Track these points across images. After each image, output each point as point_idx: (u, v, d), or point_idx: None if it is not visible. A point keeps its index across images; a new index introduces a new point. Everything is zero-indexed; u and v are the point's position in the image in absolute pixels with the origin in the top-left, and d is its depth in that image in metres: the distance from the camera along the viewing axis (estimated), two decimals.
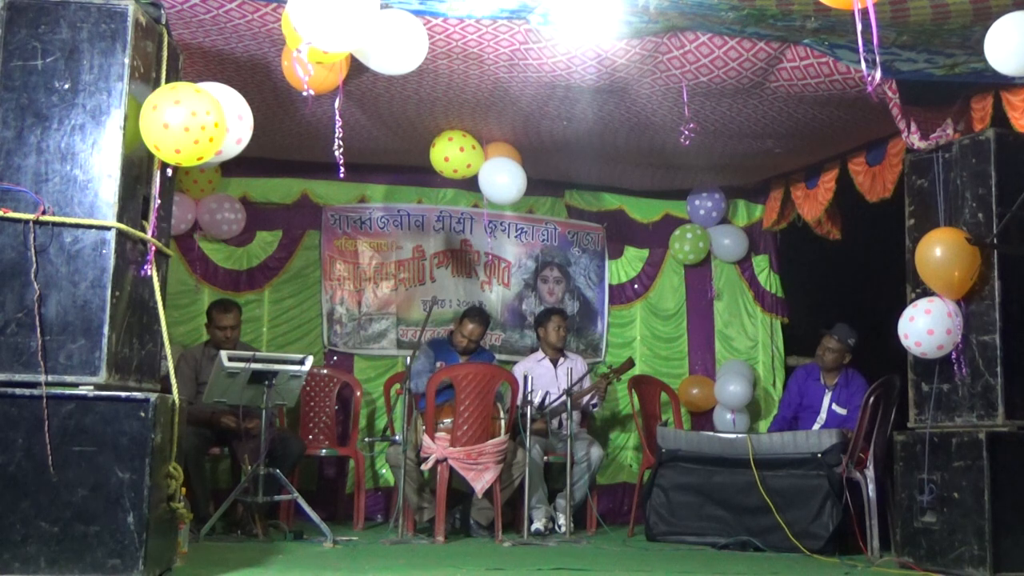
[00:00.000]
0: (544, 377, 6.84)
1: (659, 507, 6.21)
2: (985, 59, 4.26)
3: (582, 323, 7.81)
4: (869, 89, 4.15)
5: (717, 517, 6.02)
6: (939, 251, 4.76)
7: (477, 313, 6.76)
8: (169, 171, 3.95)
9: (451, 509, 6.19)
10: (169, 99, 3.70)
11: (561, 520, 6.36)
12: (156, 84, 3.88)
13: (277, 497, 5.61)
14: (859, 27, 3.47)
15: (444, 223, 7.56)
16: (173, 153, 3.72)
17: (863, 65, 4.07)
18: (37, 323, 3.47)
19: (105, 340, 3.51)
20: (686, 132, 5.44)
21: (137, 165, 3.78)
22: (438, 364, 6.05)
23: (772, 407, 7.56)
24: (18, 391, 3.45)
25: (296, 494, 5.51)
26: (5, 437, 3.42)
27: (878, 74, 3.53)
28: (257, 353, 5.78)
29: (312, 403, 6.87)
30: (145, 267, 3.83)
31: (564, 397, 6.23)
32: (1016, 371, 4.70)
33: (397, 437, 5.95)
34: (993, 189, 4.76)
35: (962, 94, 5.26)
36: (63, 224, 3.55)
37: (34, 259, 3.49)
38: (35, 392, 3.45)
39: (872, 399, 5.72)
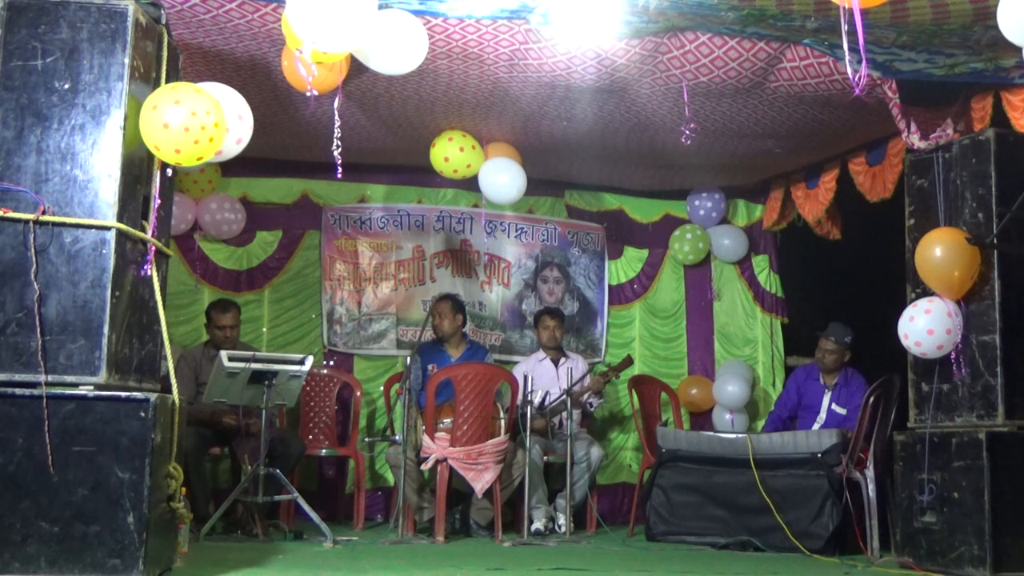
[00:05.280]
0: (545, 377, 6.84)
1: (659, 507, 6.21)
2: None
3: (582, 323, 7.81)
4: (857, 91, 4.15)
5: (717, 517, 6.02)
6: (939, 251, 4.76)
7: (447, 297, 6.82)
8: (169, 171, 3.96)
9: (451, 509, 6.19)
10: (169, 99, 3.70)
11: (561, 520, 6.36)
12: (156, 84, 3.88)
13: (277, 497, 5.61)
14: (844, 27, 3.47)
15: (444, 223, 7.56)
16: (173, 153, 3.72)
17: (848, 69, 4.07)
18: (37, 323, 3.47)
19: (105, 340, 3.51)
20: (686, 132, 5.45)
21: (137, 165, 3.78)
22: (430, 368, 6.04)
23: (771, 407, 7.55)
24: (18, 391, 3.45)
25: (296, 494, 5.51)
26: (5, 437, 3.42)
27: (863, 70, 3.53)
28: (257, 353, 5.78)
29: (312, 403, 6.86)
30: (145, 267, 3.83)
31: (564, 397, 6.23)
32: (1016, 371, 4.70)
33: (397, 437, 5.95)
34: (993, 189, 4.76)
35: (962, 94, 5.26)
36: (63, 224, 3.55)
37: (34, 259, 3.49)
38: (35, 392, 3.44)
39: (872, 399, 5.72)
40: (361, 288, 7.35)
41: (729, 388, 7.43)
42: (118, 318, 3.60)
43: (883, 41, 4.73)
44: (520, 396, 6.08)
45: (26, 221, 3.51)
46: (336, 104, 4.65)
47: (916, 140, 5.15)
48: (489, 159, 6.51)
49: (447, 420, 5.91)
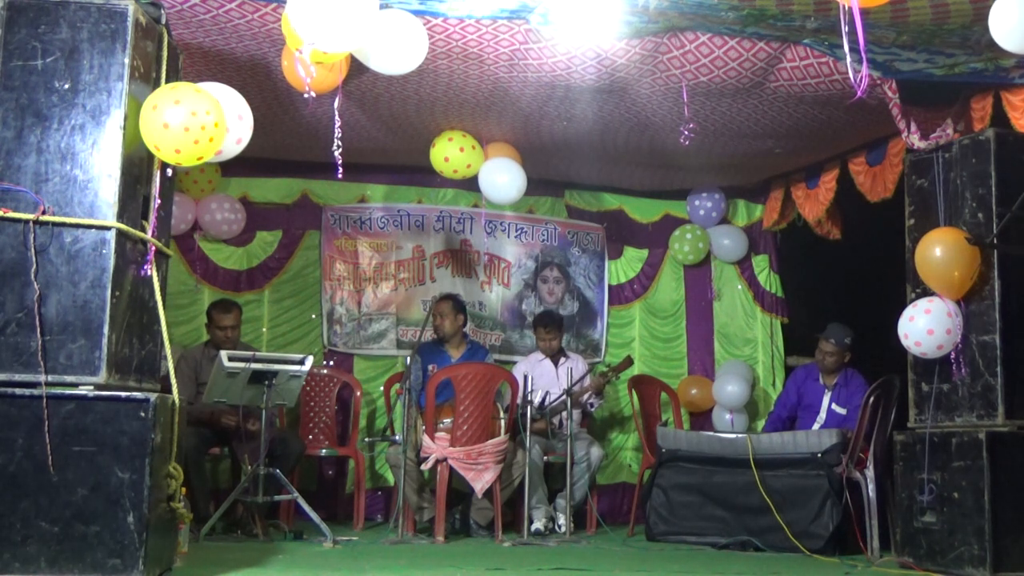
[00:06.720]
0: (545, 377, 6.84)
1: (659, 507, 6.21)
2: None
3: (582, 323, 7.81)
4: (860, 94, 4.15)
5: (717, 517, 6.02)
6: (939, 251, 4.76)
7: (448, 297, 6.82)
8: (169, 171, 3.96)
9: (451, 509, 6.19)
10: (169, 99, 3.70)
11: (561, 520, 6.36)
12: (156, 84, 3.88)
13: (277, 497, 5.61)
14: (844, 28, 3.47)
15: (444, 223, 7.56)
16: (173, 153, 3.72)
17: (850, 71, 4.06)
18: (37, 323, 3.47)
19: (105, 340, 3.51)
20: (686, 132, 5.44)
21: (137, 165, 3.78)
22: (430, 368, 6.04)
23: (771, 407, 7.55)
24: (18, 391, 3.45)
25: (296, 494, 5.51)
26: (5, 437, 3.42)
27: (864, 71, 3.53)
28: (257, 353, 5.78)
29: (312, 403, 6.86)
30: (145, 267, 3.83)
31: (564, 397, 6.23)
32: (1016, 371, 4.70)
33: (397, 437, 5.95)
34: (993, 189, 4.75)
35: (962, 94, 5.26)
36: (63, 224, 3.54)
37: (34, 259, 3.49)
38: (35, 392, 3.44)
39: (872, 399, 5.72)
40: (361, 288, 7.35)
41: (729, 388, 7.43)
42: (118, 318, 3.60)
43: (883, 41, 4.73)
44: (520, 396, 6.08)
45: (26, 221, 3.50)
46: (336, 104, 4.65)
47: (916, 140, 5.15)
48: (489, 159, 6.51)
49: (447, 420, 5.91)
